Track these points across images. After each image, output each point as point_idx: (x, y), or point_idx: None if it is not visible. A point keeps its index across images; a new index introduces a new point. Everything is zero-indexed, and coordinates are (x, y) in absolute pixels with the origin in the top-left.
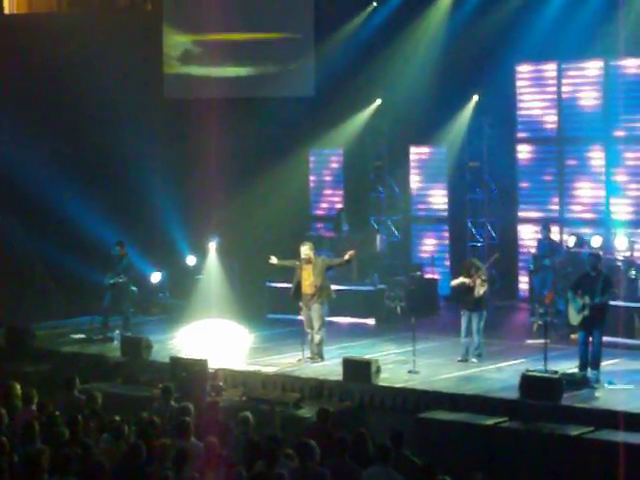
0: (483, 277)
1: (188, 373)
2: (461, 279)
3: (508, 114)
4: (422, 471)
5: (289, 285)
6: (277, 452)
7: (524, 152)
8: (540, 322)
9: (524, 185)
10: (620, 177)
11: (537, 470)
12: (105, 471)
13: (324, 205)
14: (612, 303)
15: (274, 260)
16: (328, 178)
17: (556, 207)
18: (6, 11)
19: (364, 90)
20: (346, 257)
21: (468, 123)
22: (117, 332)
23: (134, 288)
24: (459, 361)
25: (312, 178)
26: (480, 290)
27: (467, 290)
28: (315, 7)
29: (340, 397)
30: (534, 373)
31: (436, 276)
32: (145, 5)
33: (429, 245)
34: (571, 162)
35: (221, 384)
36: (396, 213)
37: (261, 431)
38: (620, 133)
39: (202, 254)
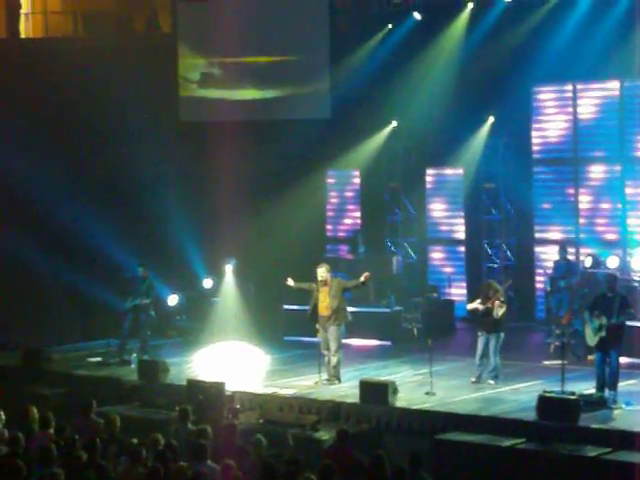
0: (501, 298)
1: (205, 396)
2: (475, 305)
3: (524, 135)
4: None
5: (305, 307)
6: (297, 475)
7: (540, 173)
8: (557, 343)
9: (540, 206)
10: (636, 197)
11: None
12: None
13: (340, 227)
14: (629, 324)
15: (291, 282)
16: (344, 200)
17: (573, 228)
18: (22, 35)
19: (380, 112)
20: (362, 279)
21: (484, 144)
22: (134, 355)
23: (152, 312)
24: (473, 382)
25: (328, 200)
26: (499, 312)
27: (485, 312)
28: (331, 30)
29: (357, 419)
30: (551, 394)
31: (452, 297)
32: (162, 29)
33: (445, 267)
34: (587, 183)
35: (238, 407)
36: (412, 235)
37: (278, 453)
38: (638, 153)
39: (219, 276)
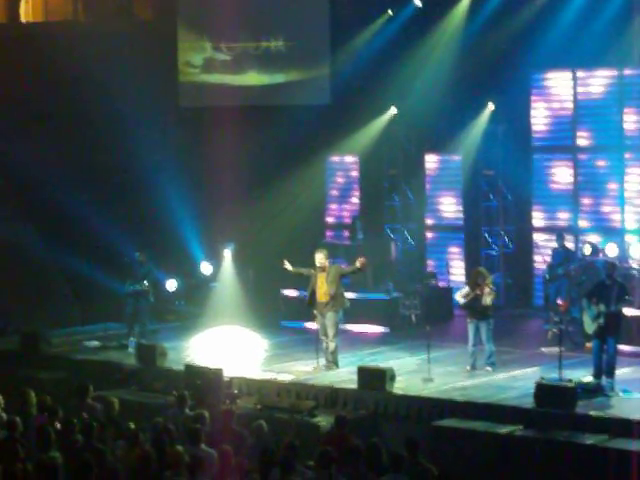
0: (491, 286)
1: (203, 381)
2: (458, 296)
3: (523, 122)
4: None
5: (304, 292)
6: (294, 460)
7: (539, 160)
8: (555, 330)
9: (539, 193)
10: (635, 185)
11: (551, 478)
12: (119, 478)
13: (339, 213)
14: (627, 311)
15: (288, 266)
16: (343, 186)
17: (571, 215)
18: (22, 20)
19: (379, 98)
20: (357, 264)
21: (483, 131)
22: (132, 339)
23: (151, 297)
24: (468, 370)
25: (327, 186)
26: (487, 299)
27: (474, 299)
28: (331, 15)
29: (355, 405)
30: (549, 381)
31: (451, 284)
32: (163, 13)
33: (444, 253)
34: (586, 170)
35: (236, 392)
36: (411, 221)
37: (276, 439)
38: (637, 141)
39: (217, 262)
